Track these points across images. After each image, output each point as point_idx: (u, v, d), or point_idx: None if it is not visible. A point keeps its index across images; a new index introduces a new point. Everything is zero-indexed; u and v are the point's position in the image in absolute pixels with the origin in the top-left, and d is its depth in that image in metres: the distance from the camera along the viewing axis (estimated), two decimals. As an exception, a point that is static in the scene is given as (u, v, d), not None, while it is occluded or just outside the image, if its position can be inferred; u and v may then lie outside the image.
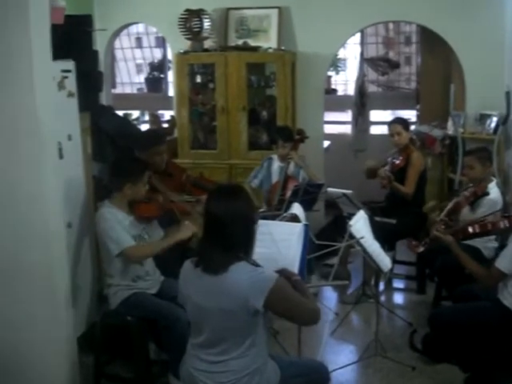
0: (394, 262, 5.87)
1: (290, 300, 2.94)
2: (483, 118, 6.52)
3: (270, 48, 6.76)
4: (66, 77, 4.28)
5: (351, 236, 4.17)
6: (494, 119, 6.38)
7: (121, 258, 4.04)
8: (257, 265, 2.92)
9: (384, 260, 4.39)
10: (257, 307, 2.81)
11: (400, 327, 5.15)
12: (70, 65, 4.36)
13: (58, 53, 4.00)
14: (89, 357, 4.31)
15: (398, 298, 5.97)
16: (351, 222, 4.19)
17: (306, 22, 6.93)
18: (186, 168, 5.70)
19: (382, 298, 5.69)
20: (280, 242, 3.63)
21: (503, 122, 6.18)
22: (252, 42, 6.85)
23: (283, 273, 3.12)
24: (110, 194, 4.20)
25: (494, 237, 4.89)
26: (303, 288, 3.14)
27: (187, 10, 6.74)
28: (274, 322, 4.75)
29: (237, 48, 6.80)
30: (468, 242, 4.62)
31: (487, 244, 4.92)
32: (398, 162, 5.78)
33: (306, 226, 3.78)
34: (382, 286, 5.85)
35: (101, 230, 4.07)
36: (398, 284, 6.14)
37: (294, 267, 3.58)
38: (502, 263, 3.91)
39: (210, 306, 2.88)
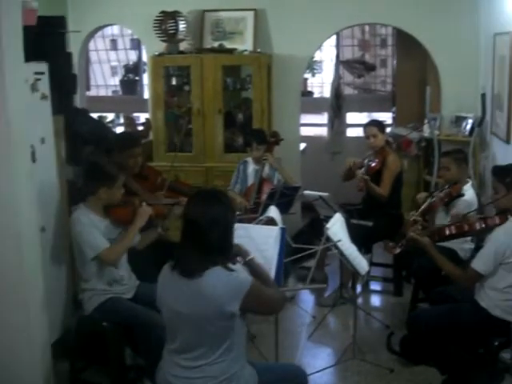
0: (371, 264, 5.87)
1: (264, 298, 2.98)
2: (459, 120, 6.56)
3: (246, 50, 6.74)
4: (39, 79, 4.21)
5: (328, 239, 4.16)
6: (470, 121, 6.41)
7: (96, 262, 3.99)
8: (232, 269, 2.89)
9: (361, 263, 4.37)
10: (233, 311, 2.80)
11: (377, 329, 5.15)
12: (43, 67, 4.29)
13: (31, 55, 3.94)
14: (64, 363, 4.26)
15: (375, 301, 5.98)
16: (328, 225, 4.17)
17: (281, 25, 6.92)
18: (161, 171, 5.65)
19: (359, 301, 5.69)
20: (257, 245, 3.60)
21: (479, 124, 6.21)
22: (228, 45, 6.82)
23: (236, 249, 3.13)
24: (84, 198, 4.15)
25: (470, 238, 4.90)
26: (262, 271, 3.21)
27: (162, 12, 6.70)
28: (251, 326, 4.73)
29: (212, 50, 6.76)
30: (443, 243, 4.63)
31: (463, 245, 4.93)
32: (374, 164, 5.76)
33: (282, 229, 3.76)
34: (359, 288, 5.84)
35: (76, 233, 4.02)
36: (375, 286, 6.14)
37: (271, 271, 3.56)
38: (478, 264, 3.92)
39: (185, 310, 2.84)
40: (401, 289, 5.76)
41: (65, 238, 4.45)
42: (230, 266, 2.87)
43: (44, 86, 4.29)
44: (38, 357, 3.80)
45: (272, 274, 3.54)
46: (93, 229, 3.99)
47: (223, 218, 2.90)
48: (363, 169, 5.79)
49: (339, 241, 4.12)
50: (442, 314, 4.07)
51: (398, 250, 4.64)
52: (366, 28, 11.98)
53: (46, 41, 4.60)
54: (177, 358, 2.94)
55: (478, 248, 4.62)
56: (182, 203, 4.54)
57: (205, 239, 2.84)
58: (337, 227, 4.25)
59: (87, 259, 3.98)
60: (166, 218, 4.58)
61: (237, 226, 3.60)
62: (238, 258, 3.13)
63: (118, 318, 3.98)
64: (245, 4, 6.86)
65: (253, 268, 3.16)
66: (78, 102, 6.91)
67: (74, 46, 6.97)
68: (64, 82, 4.81)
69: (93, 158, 5.01)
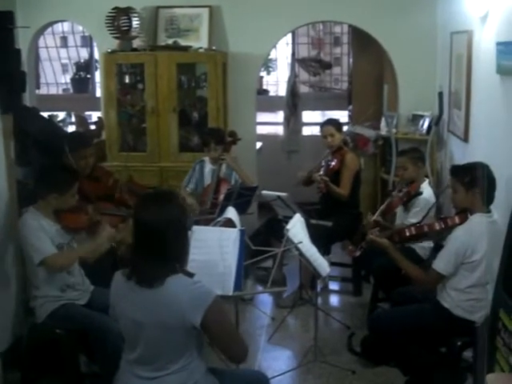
0: (330, 264, 5.81)
1: (226, 323, 2.85)
2: (416, 118, 6.56)
3: (201, 48, 6.63)
4: (-14, 77, 4.04)
5: (288, 240, 4.07)
6: (427, 120, 6.42)
7: (44, 267, 3.83)
8: (190, 275, 2.78)
9: (322, 264, 4.31)
10: (194, 323, 2.68)
11: (337, 330, 5.11)
12: (-11, 64, 4.13)
13: (-24, 51, 3.78)
14: (15, 373, 4.09)
15: (335, 301, 5.94)
16: (288, 227, 4.09)
17: (237, 22, 6.83)
18: (113, 172, 5.51)
19: (319, 301, 5.61)
20: (216, 248, 3.51)
21: (436, 122, 6.21)
22: (182, 42, 6.70)
23: None
24: (35, 200, 3.98)
25: (429, 237, 4.88)
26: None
27: (115, 8, 6.56)
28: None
29: (167, 48, 6.63)
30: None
31: (423, 244, 4.90)
32: (333, 164, 5.72)
33: (242, 231, 3.68)
34: (318, 288, 5.78)
35: (23, 236, 3.87)
36: (334, 286, 6.10)
37: (231, 274, 3.48)
38: (439, 265, 3.89)
39: (145, 320, 2.72)
40: (360, 288, 5.73)
41: (15, 243, 4.28)
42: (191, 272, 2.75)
43: (-9, 83, 4.12)
44: (-14, 368, 3.65)
45: (232, 277, 3.46)
46: (41, 233, 3.83)
47: (178, 219, 2.77)
48: (322, 170, 5.74)
49: (300, 242, 4.05)
50: (404, 315, 4.03)
51: (357, 253, 4.61)
52: (320, 26, 11.96)
53: (-6, 37, 4.42)
54: (136, 369, 2.81)
55: (437, 247, 4.61)
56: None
57: (159, 244, 2.71)
58: (297, 228, 4.18)
59: (34, 264, 3.82)
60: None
61: (195, 228, 3.52)
62: None
63: (72, 325, 3.83)
64: (199, 1, 6.75)
65: None
66: (28, 100, 6.73)
67: (22, 42, 6.77)
68: (12, 79, 4.62)
69: (47, 161, 4.83)
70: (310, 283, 5.52)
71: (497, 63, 4.31)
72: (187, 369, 2.77)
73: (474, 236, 3.80)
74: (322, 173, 5.69)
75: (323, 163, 5.80)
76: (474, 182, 3.83)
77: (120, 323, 2.88)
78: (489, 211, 3.86)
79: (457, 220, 4.00)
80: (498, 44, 4.27)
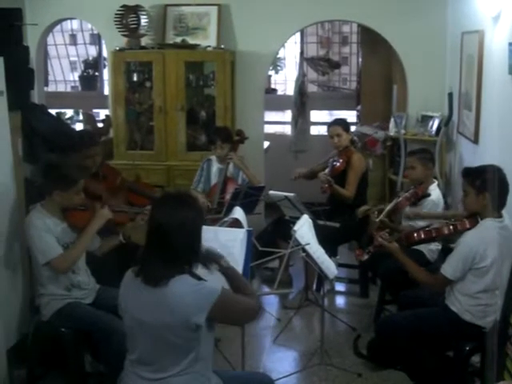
0: (337, 265, 5.77)
1: (233, 308, 2.84)
2: (425, 119, 6.51)
3: (209, 46, 6.62)
4: (-6, 74, 4.03)
5: (296, 242, 4.04)
6: (436, 121, 6.37)
7: (49, 267, 3.81)
8: (199, 278, 2.75)
9: (329, 266, 4.27)
10: (198, 323, 2.66)
11: (344, 332, 5.06)
12: (-2, 61, 4.11)
13: (-15, 48, 3.77)
14: (21, 370, 4.08)
15: (341, 302, 5.89)
16: (295, 228, 4.05)
17: (246, 21, 6.82)
18: (120, 170, 5.48)
19: (325, 302, 5.57)
20: (223, 248, 3.47)
21: (445, 123, 6.17)
22: (191, 40, 6.69)
23: (210, 255, 3.00)
24: (43, 198, 3.96)
25: (436, 238, 4.83)
26: (240, 278, 3.06)
27: (124, 6, 6.56)
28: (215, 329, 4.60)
29: (175, 46, 6.62)
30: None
31: (431, 247, 4.87)
32: (338, 164, 5.65)
33: (249, 231, 3.65)
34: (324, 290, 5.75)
35: (28, 235, 3.84)
36: (340, 287, 6.05)
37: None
38: (447, 269, 3.83)
39: (148, 319, 2.70)
40: (367, 290, 5.68)
41: (22, 241, 4.26)
42: (197, 273, 2.73)
43: (-1, 80, 4.11)
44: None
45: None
46: (46, 233, 3.80)
47: (192, 222, 2.75)
48: (327, 170, 5.68)
49: (307, 244, 4.01)
50: (411, 319, 3.97)
51: (365, 257, 4.52)
52: (328, 25, 11.91)
53: (2, 34, 4.42)
54: (139, 370, 2.79)
55: (445, 249, 4.57)
56: (145, 212, 4.21)
57: (171, 245, 2.69)
58: (304, 229, 4.14)
59: (39, 264, 3.81)
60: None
61: (204, 228, 3.48)
62: (215, 266, 2.97)
63: (77, 324, 3.82)
64: (208, -1, 6.73)
65: (230, 276, 3.01)
66: (36, 97, 6.73)
67: (31, 39, 6.80)
68: (20, 76, 4.62)
69: (52, 157, 4.81)
70: (315, 284, 5.52)
71: (509, 64, 4.28)
72: (192, 371, 2.75)
73: (484, 242, 3.73)
74: (326, 172, 5.63)
75: (329, 163, 5.75)
76: (485, 185, 3.75)
77: (124, 320, 2.87)
78: (500, 216, 3.81)
79: (467, 224, 3.93)
80: (511, 44, 4.24)
